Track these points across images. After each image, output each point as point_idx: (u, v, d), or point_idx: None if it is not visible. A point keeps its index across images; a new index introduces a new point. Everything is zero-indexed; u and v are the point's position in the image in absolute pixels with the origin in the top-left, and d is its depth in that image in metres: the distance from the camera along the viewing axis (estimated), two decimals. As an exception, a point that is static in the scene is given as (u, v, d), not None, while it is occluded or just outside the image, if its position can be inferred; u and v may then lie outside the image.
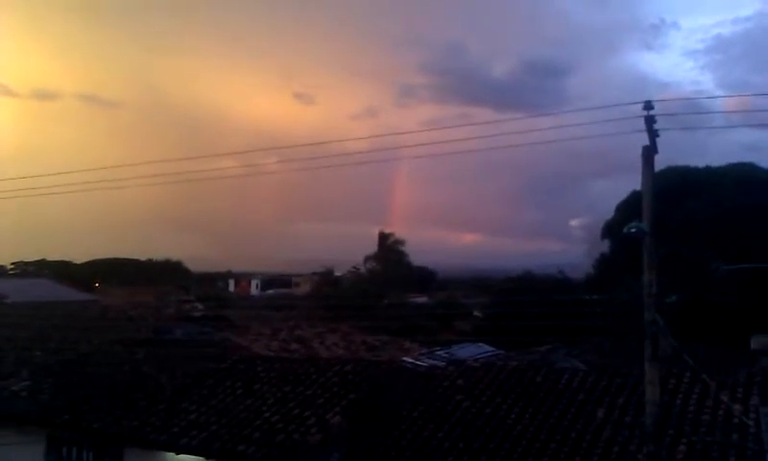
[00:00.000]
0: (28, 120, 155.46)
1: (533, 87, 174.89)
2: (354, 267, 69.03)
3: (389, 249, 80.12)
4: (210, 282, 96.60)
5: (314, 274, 77.25)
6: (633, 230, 10.49)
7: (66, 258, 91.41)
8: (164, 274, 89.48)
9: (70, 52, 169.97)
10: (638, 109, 10.59)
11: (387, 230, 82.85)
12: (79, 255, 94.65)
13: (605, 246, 42.91)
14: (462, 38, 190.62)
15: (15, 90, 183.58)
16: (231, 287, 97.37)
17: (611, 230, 40.41)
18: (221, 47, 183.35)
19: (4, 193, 20.31)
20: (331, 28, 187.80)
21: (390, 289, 56.95)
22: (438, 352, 19.22)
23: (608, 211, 43.63)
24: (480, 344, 22.22)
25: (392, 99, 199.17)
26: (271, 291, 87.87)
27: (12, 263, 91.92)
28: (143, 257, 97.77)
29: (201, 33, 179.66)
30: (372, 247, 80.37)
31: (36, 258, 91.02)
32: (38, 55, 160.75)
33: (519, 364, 16.98)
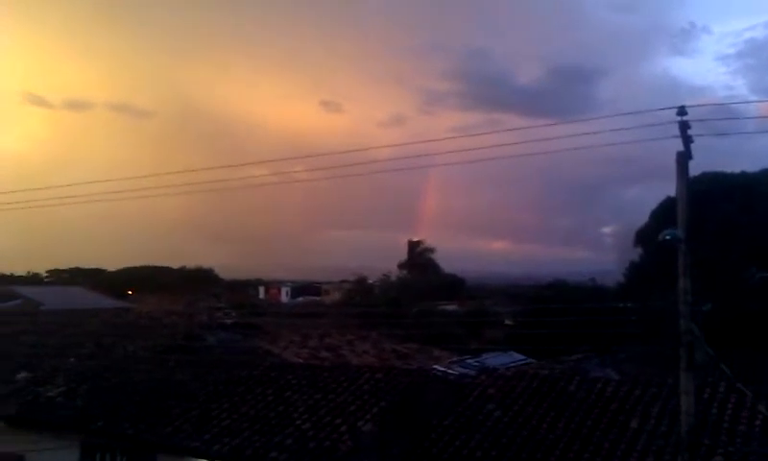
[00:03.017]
0: (61, 130, 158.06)
1: (561, 93, 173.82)
2: (384, 275, 68.98)
3: (418, 256, 80.00)
4: (241, 290, 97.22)
5: (344, 282, 77.33)
6: (668, 237, 10.37)
7: (100, 266, 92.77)
8: (196, 281, 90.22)
9: (102, 62, 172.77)
10: (671, 114, 10.48)
11: (416, 238, 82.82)
12: (112, 263, 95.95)
13: (637, 253, 42.43)
14: (488, 44, 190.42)
15: (49, 101, 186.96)
16: (262, 295, 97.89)
17: (644, 237, 39.91)
18: (249, 56, 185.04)
19: (39, 202, 20.68)
20: (357, 36, 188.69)
21: (419, 297, 56.80)
22: (468, 361, 19.15)
23: (640, 218, 43.17)
24: (511, 352, 22.09)
25: (419, 106, 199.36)
26: (300, 299, 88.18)
27: (48, 271, 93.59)
28: (175, 265, 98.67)
29: (230, 42, 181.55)
30: (402, 255, 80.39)
31: (70, 266, 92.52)
32: (71, 65, 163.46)
33: (551, 373, 16.85)
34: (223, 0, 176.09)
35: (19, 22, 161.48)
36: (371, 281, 65.24)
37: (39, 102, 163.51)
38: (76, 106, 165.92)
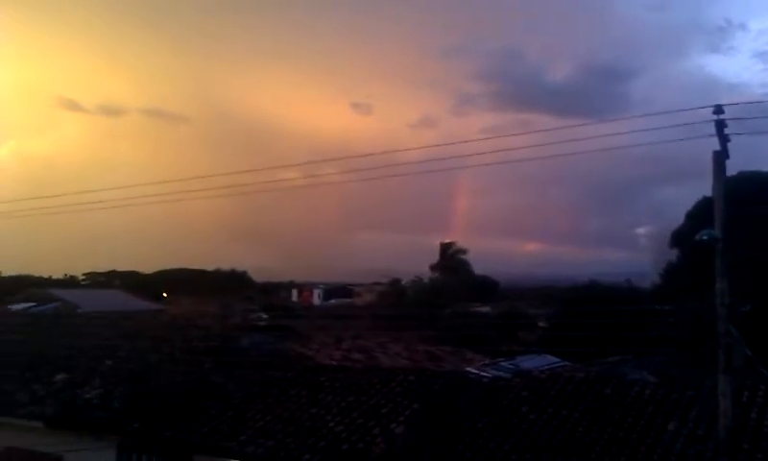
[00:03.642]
0: (95, 135, 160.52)
1: (594, 92, 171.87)
2: (417, 276, 68.91)
3: (450, 258, 79.82)
4: (274, 292, 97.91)
5: (375, 284, 77.43)
6: (705, 238, 10.23)
7: (135, 269, 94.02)
8: (230, 284, 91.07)
9: (135, 68, 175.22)
10: (708, 113, 10.34)
11: (448, 240, 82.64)
12: (147, 266, 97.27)
13: (673, 254, 41.92)
14: (519, 44, 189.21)
15: (83, 105, 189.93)
16: (294, 297, 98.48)
17: (680, 237, 39.46)
18: (281, 60, 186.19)
19: (75, 207, 20.99)
20: (387, 37, 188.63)
21: (452, 299, 56.67)
22: (502, 363, 19.02)
23: (675, 219, 42.68)
24: (545, 355, 21.88)
25: (450, 107, 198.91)
26: (333, 301, 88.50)
27: (84, 274, 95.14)
28: (209, 268, 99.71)
29: (262, 46, 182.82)
30: (434, 257, 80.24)
31: (106, 269, 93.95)
32: (105, 71, 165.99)
33: (587, 375, 16.67)
34: (255, 5, 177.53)
35: (54, 28, 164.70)
36: (403, 283, 65.22)
37: (74, 107, 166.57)
38: (110, 111, 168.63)
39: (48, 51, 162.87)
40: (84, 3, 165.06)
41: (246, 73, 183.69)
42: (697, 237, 10.37)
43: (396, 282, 63.99)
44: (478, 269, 79.19)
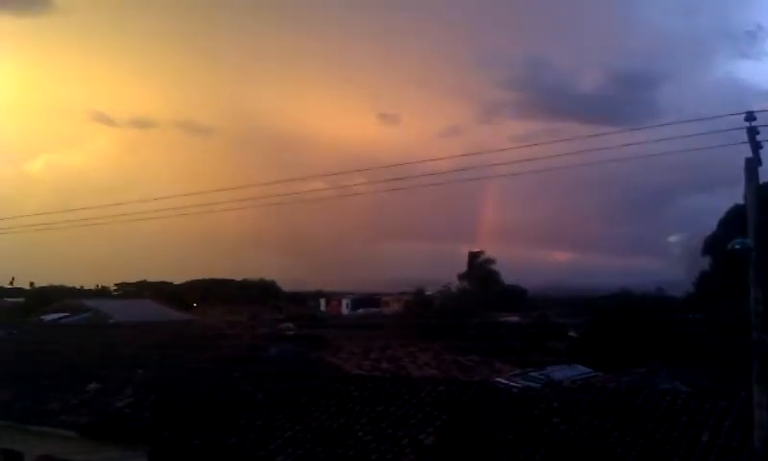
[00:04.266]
0: (126, 147, 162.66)
1: (623, 100, 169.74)
2: (445, 286, 68.63)
3: (479, 267, 79.46)
4: (302, 302, 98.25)
5: (403, 293, 77.27)
6: (737, 246, 10.09)
7: (166, 279, 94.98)
8: (258, 293, 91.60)
9: (165, 81, 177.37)
10: (739, 119, 10.22)
11: (476, 249, 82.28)
12: (177, 276, 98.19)
13: (705, 263, 41.38)
14: (546, 52, 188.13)
15: (114, 119, 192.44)
16: (322, 307, 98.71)
17: (712, 246, 38.92)
18: (307, 70, 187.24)
19: (107, 218, 21.32)
20: (415, 48, 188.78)
21: (480, 308, 56.39)
22: (532, 374, 18.90)
23: (707, 227, 42.12)
24: (576, 365, 21.70)
25: (477, 116, 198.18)
26: (361, 310, 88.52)
27: (116, 285, 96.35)
28: (238, 278, 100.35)
29: (289, 57, 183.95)
30: (462, 266, 79.94)
31: (137, 280, 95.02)
32: (136, 84, 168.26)
33: (618, 386, 16.49)
34: (282, 17, 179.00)
35: (85, 43, 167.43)
36: (428, 293, 65.00)
37: (105, 120, 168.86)
38: (141, 124, 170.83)
39: (81, 67, 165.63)
40: (115, 20, 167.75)
41: (274, 85, 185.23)
42: (729, 246, 10.23)
43: (420, 292, 63.78)
44: (507, 278, 78.74)
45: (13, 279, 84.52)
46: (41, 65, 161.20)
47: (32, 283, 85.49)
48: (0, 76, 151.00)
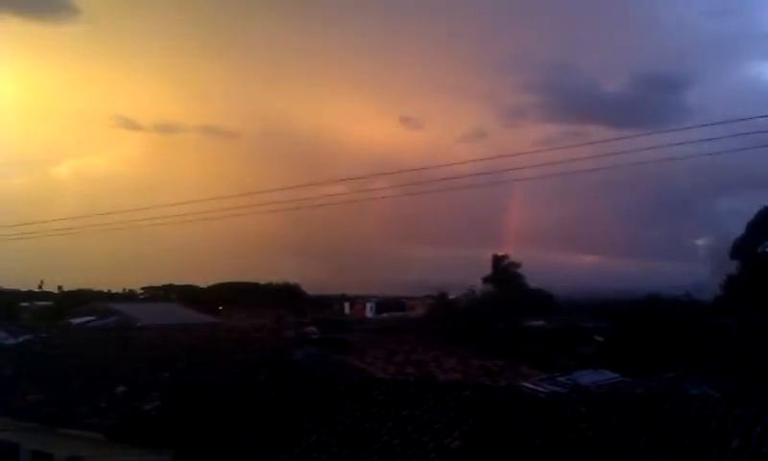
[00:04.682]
0: (152, 152, 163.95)
1: (649, 102, 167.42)
2: (470, 289, 68.28)
3: (504, 271, 79.01)
4: (326, 306, 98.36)
5: (427, 297, 77.02)
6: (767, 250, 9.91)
7: (192, 283, 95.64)
8: (283, 297, 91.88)
9: (191, 85, 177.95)
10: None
11: (501, 253, 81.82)
12: (203, 280, 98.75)
13: (733, 266, 40.89)
14: (571, 55, 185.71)
15: (140, 124, 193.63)
16: (347, 310, 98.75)
17: (740, 249, 38.49)
18: (331, 75, 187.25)
19: (133, 222, 21.54)
20: (437, 51, 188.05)
21: (506, 312, 56.05)
22: (559, 378, 18.70)
23: (735, 230, 41.62)
24: (603, 370, 21.44)
25: (501, 119, 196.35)
26: (385, 314, 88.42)
27: (142, 288, 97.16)
28: (263, 281, 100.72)
29: (313, 62, 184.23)
30: (486, 270, 79.51)
31: (163, 283, 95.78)
32: (161, 89, 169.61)
33: (646, 391, 16.28)
34: (306, 22, 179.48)
35: (110, 49, 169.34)
36: (452, 296, 64.68)
37: (131, 125, 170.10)
38: (166, 128, 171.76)
39: (106, 72, 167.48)
40: (139, 26, 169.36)
41: (298, 89, 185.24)
42: (760, 249, 10.07)
43: (443, 295, 63.46)
44: (532, 282, 78.17)
45: (42, 282, 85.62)
46: (67, 71, 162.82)
47: (60, 287, 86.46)
48: (27, 82, 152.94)
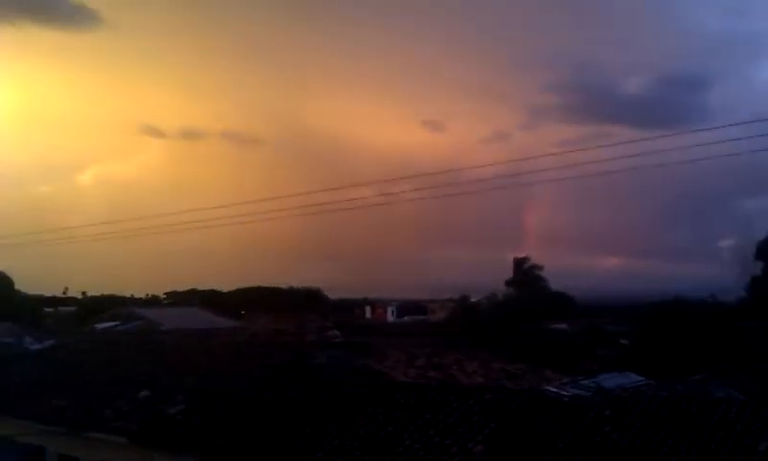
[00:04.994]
0: (176, 159, 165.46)
1: (673, 102, 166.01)
2: (491, 293, 68.15)
3: (525, 274, 78.70)
4: (348, 309, 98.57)
5: (449, 300, 76.92)
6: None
7: (215, 287, 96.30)
8: (304, 301, 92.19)
9: (214, 92, 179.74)
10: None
11: (523, 255, 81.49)
12: (226, 284, 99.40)
13: (758, 268, 40.47)
14: (593, 55, 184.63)
15: (164, 131, 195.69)
16: (368, 314, 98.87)
17: (765, 250, 38.07)
18: (353, 79, 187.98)
19: (157, 228, 21.72)
20: (457, 53, 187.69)
21: (528, 316, 55.85)
22: (582, 382, 18.56)
23: (760, 231, 41.20)
24: (628, 373, 21.26)
25: (523, 121, 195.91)
26: (406, 318, 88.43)
27: (166, 293, 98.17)
28: (285, 285, 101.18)
29: (335, 66, 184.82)
30: (507, 273, 79.23)
31: (186, 288, 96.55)
32: (184, 96, 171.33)
33: (671, 394, 16.11)
34: (327, 26, 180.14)
35: (134, 57, 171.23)
36: (473, 300, 64.63)
37: (155, 132, 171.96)
38: (189, 135, 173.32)
39: (130, 80, 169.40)
40: (163, 33, 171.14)
41: (320, 93, 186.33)
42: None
43: (465, 299, 63.36)
44: (555, 285, 77.76)
45: (67, 288, 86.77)
46: (91, 80, 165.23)
47: (84, 293, 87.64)
48: (52, 91, 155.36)
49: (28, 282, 65.66)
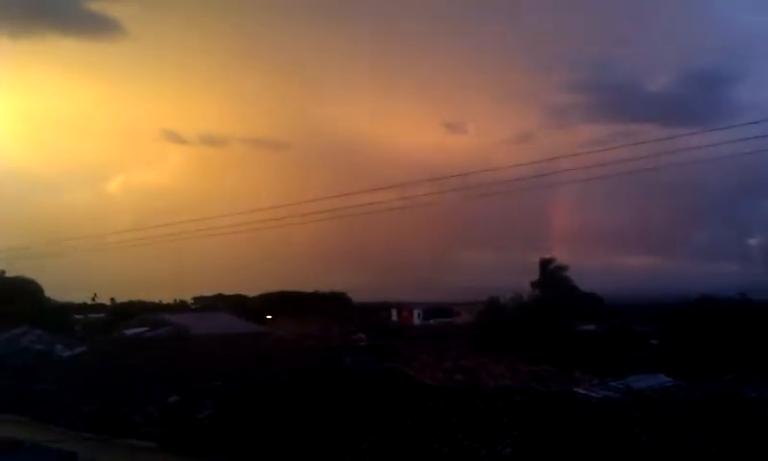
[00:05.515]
0: (199, 165, 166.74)
1: (699, 99, 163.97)
2: (517, 294, 67.65)
3: (551, 275, 78.08)
4: (373, 313, 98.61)
5: (475, 302, 76.51)
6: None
7: (241, 292, 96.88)
8: (330, 305, 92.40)
9: (235, 98, 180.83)
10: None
11: (548, 256, 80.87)
12: (252, 289, 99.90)
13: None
14: (616, 53, 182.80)
15: (186, 138, 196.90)
16: (394, 317, 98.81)
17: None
18: (374, 81, 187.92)
19: (183, 234, 21.88)
20: (479, 53, 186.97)
21: (555, 317, 55.42)
22: (611, 383, 18.37)
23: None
24: (658, 374, 21.01)
25: (546, 121, 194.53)
26: (432, 321, 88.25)
27: (193, 298, 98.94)
28: (310, 289, 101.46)
29: (354, 69, 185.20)
30: (532, 274, 78.66)
31: (213, 293, 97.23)
32: (206, 102, 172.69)
33: (702, 395, 15.89)
34: (349, 32, 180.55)
35: (156, 65, 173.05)
36: (502, 301, 64.17)
37: (178, 139, 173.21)
38: (212, 141, 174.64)
39: (152, 88, 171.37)
40: (184, 41, 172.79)
41: (342, 97, 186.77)
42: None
43: (494, 301, 62.93)
44: (582, 285, 77.05)
45: (95, 295, 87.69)
46: (116, 88, 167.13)
47: (113, 299, 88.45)
48: (77, 99, 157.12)
49: (57, 290, 66.49)
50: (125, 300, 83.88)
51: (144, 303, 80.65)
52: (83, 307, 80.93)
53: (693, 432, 13.81)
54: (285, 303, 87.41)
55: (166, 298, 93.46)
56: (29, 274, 55.62)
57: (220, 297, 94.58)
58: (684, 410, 14.79)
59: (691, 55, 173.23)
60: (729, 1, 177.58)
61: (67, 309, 67.58)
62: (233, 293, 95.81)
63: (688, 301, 42.30)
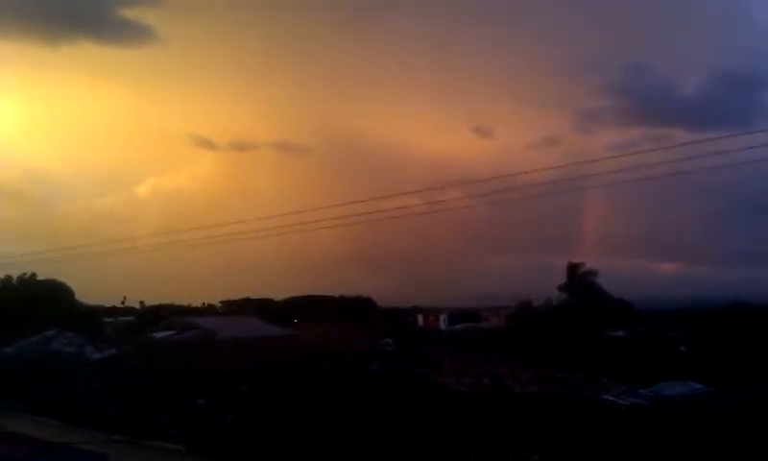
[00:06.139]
0: (228, 170, 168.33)
1: (731, 103, 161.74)
2: (546, 300, 67.21)
3: (579, 280, 77.43)
4: (399, 318, 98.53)
5: (502, 307, 76.10)
6: None
7: (268, 296, 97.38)
8: (356, 309, 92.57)
9: (263, 103, 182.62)
10: None
11: (576, 261, 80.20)
12: (278, 293, 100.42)
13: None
14: (645, 57, 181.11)
15: (215, 143, 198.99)
16: (420, 322, 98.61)
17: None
18: (400, 85, 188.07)
19: (212, 239, 22.06)
20: (506, 58, 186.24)
21: (584, 323, 54.93)
22: (641, 390, 18.15)
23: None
24: (689, 381, 20.72)
25: (574, 125, 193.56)
26: (458, 326, 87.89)
27: (221, 302, 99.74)
28: (336, 294, 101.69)
29: (381, 73, 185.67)
30: (559, 279, 78.05)
31: (241, 297, 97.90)
32: (235, 108, 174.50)
33: (734, 402, 15.65)
34: (374, 34, 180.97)
35: (186, 71, 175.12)
36: (534, 305, 63.82)
37: (207, 144, 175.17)
38: (241, 146, 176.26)
39: (182, 94, 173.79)
40: (214, 47, 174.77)
41: (369, 102, 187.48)
42: None
43: (527, 305, 62.53)
44: (611, 291, 76.25)
45: (125, 298, 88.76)
46: (147, 93, 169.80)
47: (142, 302, 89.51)
48: (109, 105, 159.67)
49: (88, 293, 67.33)
50: (154, 303, 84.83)
51: (173, 306, 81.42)
52: (112, 310, 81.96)
53: (724, 440, 13.61)
54: (312, 308, 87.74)
55: (194, 301, 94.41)
56: (60, 277, 56.32)
57: (247, 301, 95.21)
58: (715, 418, 14.58)
59: (723, 57, 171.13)
60: (760, 3, 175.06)
61: (97, 312, 68.43)
62: (260, 297, 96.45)
63: (719, 306, 41.72)
